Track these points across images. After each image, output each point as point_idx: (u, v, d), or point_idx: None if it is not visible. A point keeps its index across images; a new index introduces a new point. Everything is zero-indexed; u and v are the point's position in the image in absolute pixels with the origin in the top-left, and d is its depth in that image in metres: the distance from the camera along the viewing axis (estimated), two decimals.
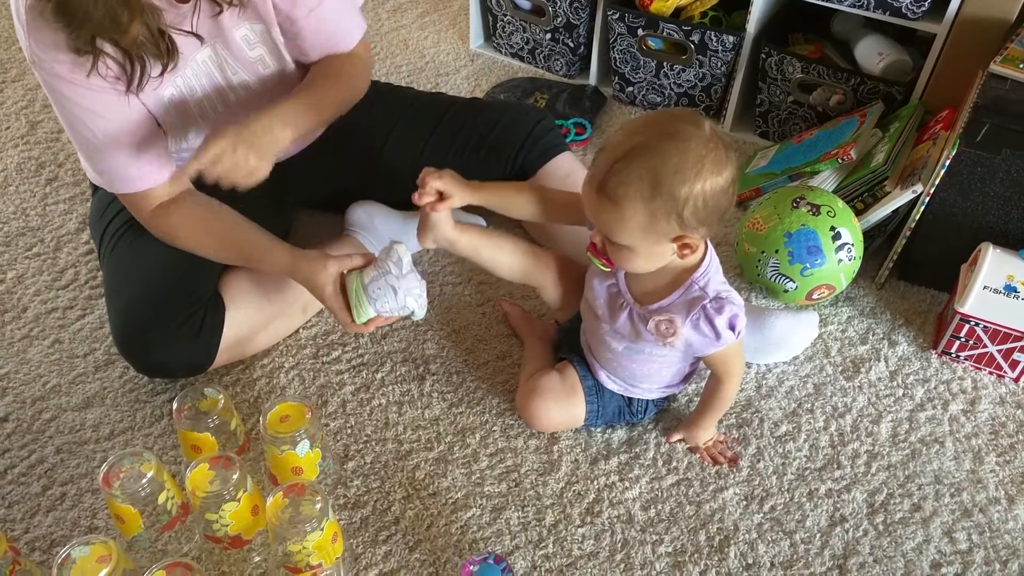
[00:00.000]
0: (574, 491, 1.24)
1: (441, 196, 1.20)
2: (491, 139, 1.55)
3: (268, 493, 1.08)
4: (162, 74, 1.17)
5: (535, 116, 1.59)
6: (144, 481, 1.08)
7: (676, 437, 1.30)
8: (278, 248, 1.27)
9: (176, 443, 1.28)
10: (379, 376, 1.41)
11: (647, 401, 1.29)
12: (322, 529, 1.05)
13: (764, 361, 1.42)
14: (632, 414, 1.30)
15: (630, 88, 1.99)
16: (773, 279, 1.44)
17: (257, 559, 1.15)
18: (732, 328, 1.10)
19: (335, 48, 1.38)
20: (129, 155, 1.23)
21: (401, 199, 1.58)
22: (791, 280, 1.42)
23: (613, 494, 1.24)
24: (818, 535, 1.19)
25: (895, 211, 1.49)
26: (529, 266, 1.33)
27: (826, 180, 1.60)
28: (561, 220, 1.28)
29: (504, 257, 1.31)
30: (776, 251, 1.42)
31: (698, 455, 1.29)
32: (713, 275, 1.11)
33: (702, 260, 1.11)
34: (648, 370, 1.24)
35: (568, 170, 1.55)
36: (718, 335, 1.10)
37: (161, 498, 1.10)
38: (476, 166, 1.57)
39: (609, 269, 1.11)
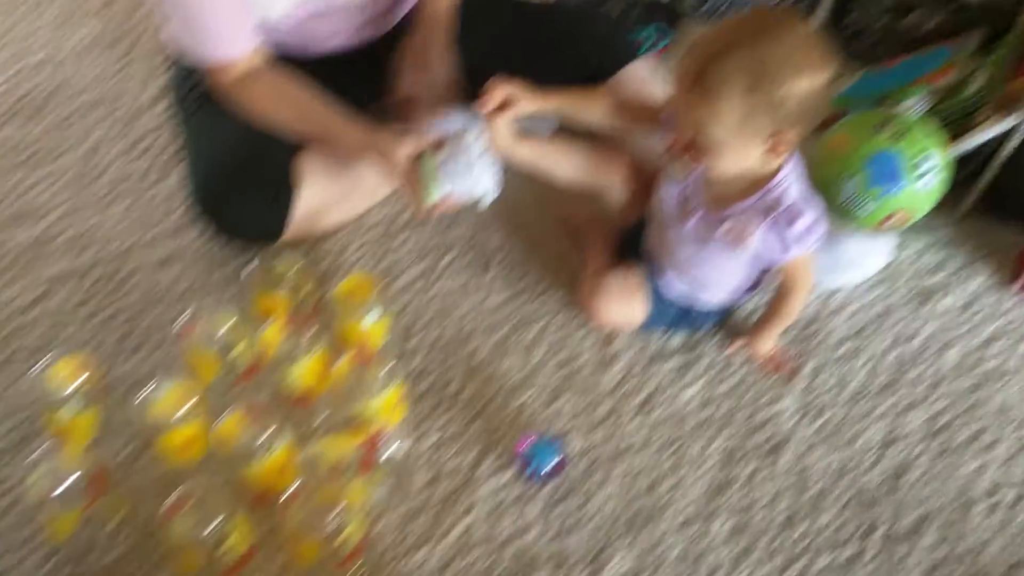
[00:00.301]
0: (630, 386, 1.25)
1: (505, 105, 1.20)
2: (565, 43, 1.53)
3: (336, 359, 1.11)
4: None
5: (612, 21, 1.56)
6: (221, 334, 1.12)
7: (736, 345, 1.30)
8: (354, 124, 1.28)
9: (248, 306, 1.31)
10: (444, 262, 1.42)
11: (709, 308, 1.29)
12: (386, 394, 1.08)
13: (834, 282, 1.40)
14: (692, 320, 1.30)
15: (710, 0, 1.94)
16: (848, 202, 1.41)
17: (321, 418, 1.19)
18: (807, 237, 1.09)
19: None
20: (222, 19, 1.23)
21: (471, 94, 1.57)
22: (867, 204, 1.39)
23: (668, 393, 1.25)
24: (872, 451, 1.19)
25: (986, 142, 1.44)
26: (594, 169, 1.33)
27: (915, 106, 1.55)
28: (635, 126, 1.26)
29: (566, 164, 1.31)
30: (855, 174, 1.38)
31: (757, 365, 1.29)
32: (794, 182, 1.10)
33: (784, 166, 1.10)
34: (713, 277, 1.23)
35: (643, 78, 1.52)
36: (791, 243, 1.09)
37: (235, 352, 1.14)
38: (547, 69, 1.54)
39: (690, 169, 1.10)
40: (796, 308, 1.22)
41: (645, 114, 1.23)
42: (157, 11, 1.29)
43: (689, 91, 1.00)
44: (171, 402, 1.03)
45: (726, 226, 1.12)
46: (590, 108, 1.26)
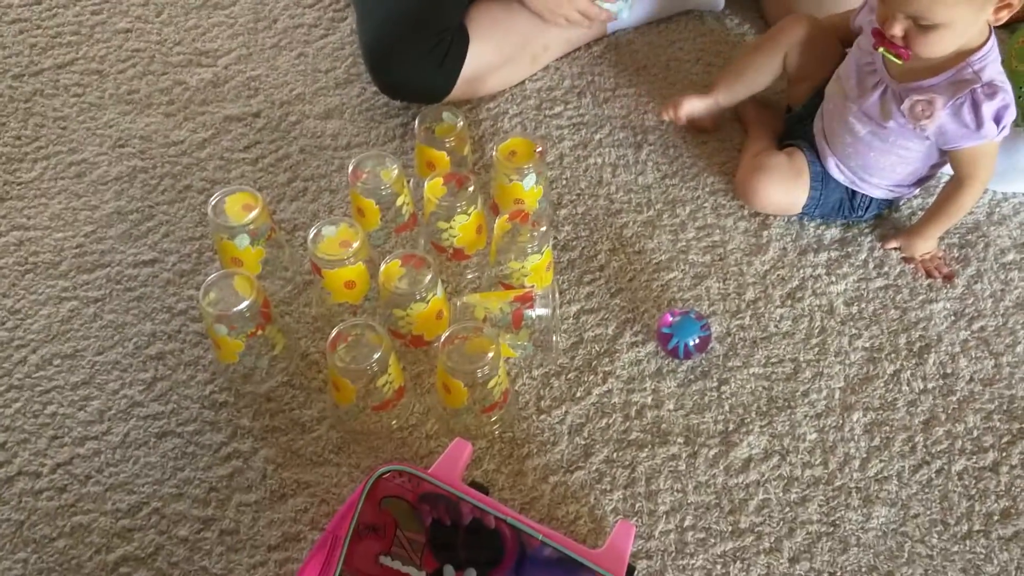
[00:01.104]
0: (778, 275, 1.25)
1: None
2: None
3: (493, 216, 1.14)
4: None
5: None
6: (386, 183, 1.16)
7: (894, 244, 1.26)
8: None
9: (409, 163, 1.36)
10: (598, 137, 1.42)
11: (871, 199, 1.25)
12: (541, 253, 1.11)
13: (1005, 189, 1.33)
14: (852, 210, 1.27)
15: None
16: None
17: (472, 275, 1.24)
18: (997, 121, 1.04)
19: None
20: None
21: None
22: None
23: (818, 285, 1.23)
24: None
25: None
26: (774, 61, 1.29)
27: None
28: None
29: (760, 79, 1.31)
30: None
31: (912, 265, 1.25)
32: (992, 61, 1.04)
33: (984, 43, 1.03)
34: (885, 162, 1.19)
35: None
36: (980, 124, 1.04)
37: (399, 201, 1.18)
38: None
39: (905, 60, 1.04)
40: (967, 204, 1.18)
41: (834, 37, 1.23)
42: None
43: None
44: (336, 242, 1.09)
45: (911, 101, 1.08)
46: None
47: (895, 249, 1.26)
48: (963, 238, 1.29)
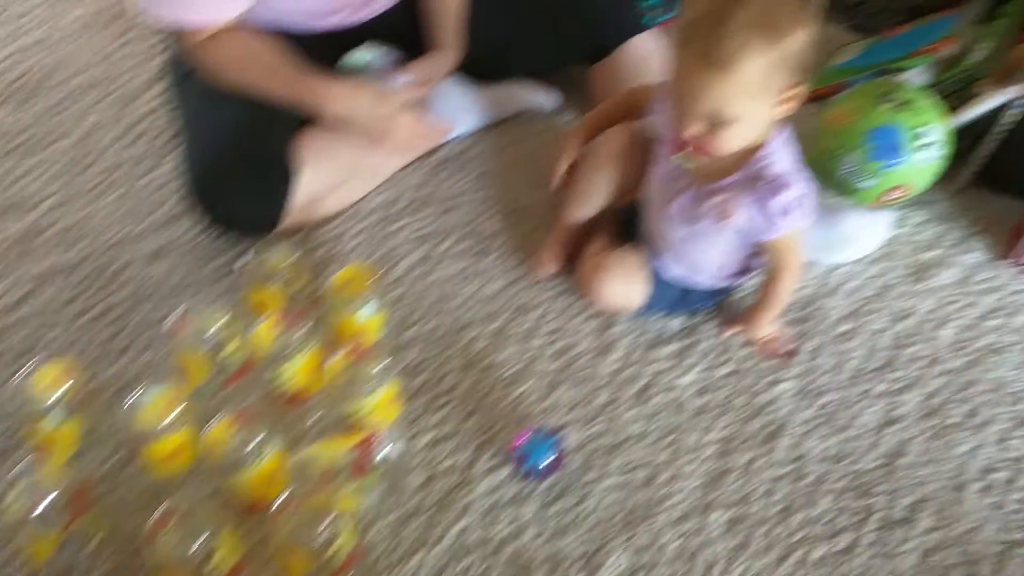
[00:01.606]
0: (627, 374, 1.25)
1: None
2: (571, 14, 1.50)
3: (330, 354, 1.11)
4: None
5: None
6: (211, 333, 1.11)
7: (733, 329, 1.29)
8: (313, 73, 1.30)
9: (241, 300, 1.31)
10: (442, 248, 1.41)
11: (706, 290, 1.28)
12: (381, 391, 1.08)
13: (831, 259, 1.39)
14: (691, 302, 1.29)
15: None
16: (848, 176, 1.38)
17: (315, 417, 1.19)
18: (792, 211, 1.07)
19: None
20: None
21: (475, 70, 1.55)
22: (867, 178, 1.37)
23: (666, 380, 1.24)
24: (869, 433, 1.19)
25: (986, 113, 1.41)
26: (612, 174, 1.32)
27: (917, 77, 1.52)
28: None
29: (606, 194, 1.33)
30: (855, 147, 1.36)
31: (754, 348, 1.28)
32: (781, 154, 1.08)
33: (772, 137, 1.08)
34: (708, 257, 1.22)
35: (647, 52, 1.50)
36: (774, 218, 1.07)
37: (226, 351, 1.13)
38: (556, 41, 1.52)
39: (703, 161, 1.07)
40: (785, 292, 1.21)
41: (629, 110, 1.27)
42: None
43: (705, 69, 0.97)
44: (158, 408, 1.02)
45: (712, 202, 1.11)
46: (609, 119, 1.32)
47: (737, 334, 1.29)
48: (800, 312, 1.33)
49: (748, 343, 1.28)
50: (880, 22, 1.76)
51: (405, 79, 1.40)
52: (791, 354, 1.27)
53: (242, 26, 1.30)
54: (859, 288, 1.36)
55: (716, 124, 1.02)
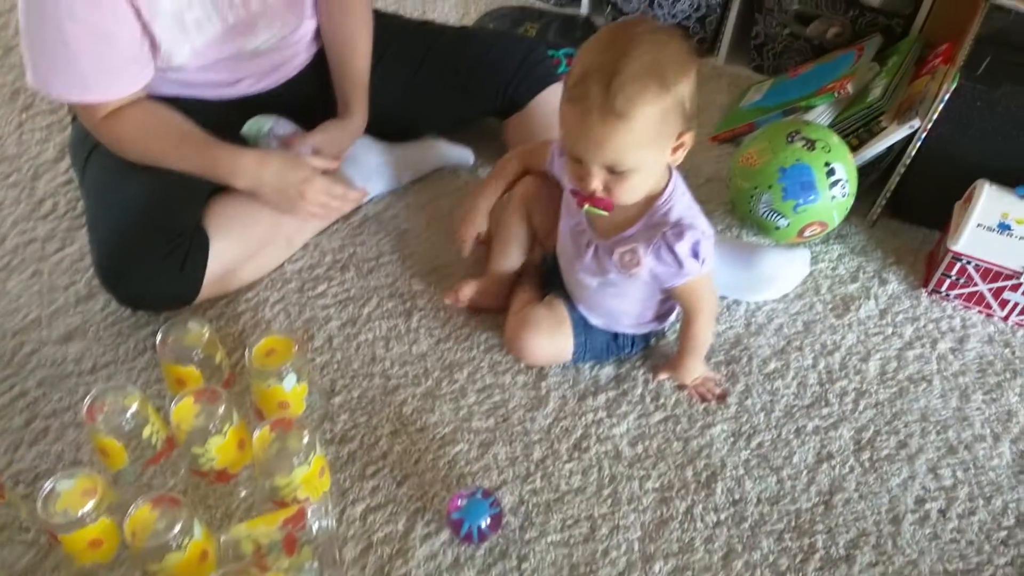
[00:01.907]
0: (562, 427, 1.24)
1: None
2: (481, 71, 1.51)
3: (254, 427, 1.07)
4: None
5: (526, 46, 1.55)
6: (128, 415, 1.07)
7: (663, 375, 1.29)
8: (219, 144, 1.30)
9: (160, 377, 1.26)
10: (366, 311, 1.39)
11: (632, 336, 1.28)
12: (309, 463, 1.05)
13: (754, 299, 1.41)
14: (619, 348, 1.29)
15: (623, 18, 1.94)
16: (765, 215, 1.42)
17: (244, 493, 1.14)
18: (695, 255, 1.08)
19: None
20: (107, 62, 1.19)
21: (387, 132, 1.55)
22: (783, 216, 1.40)
23: (601, 430, 1.23)
24: (805, 471, 1.19)
25: (890, 147, 1.46)
26: (520, 227, 1.34)
27: (822, 115, 1.57)
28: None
29: (526, 242, 1.35)
30: (769, 187, 1.39)
31: (686, 392, 1.28)
32: (678, 201, 1.10)
33: (666, 186, 1.09)
34: (624, 306, 1.23)
35: (558, 102, 1.51)
36: (680, 263, 1.08)
37: (146, 432, 1.09)
38: (466, 99, 1.53)
39: (609, 212, 1.08)
40: (702, 334, 1.22)
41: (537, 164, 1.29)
42: (25, 53, 1.20)
43: (600, 122, 0.97)
44: (76, 496, 0.97)
45: (618, 253, 1.12)
46: (509, 178, 1.33)
47: (667, 378, 1.29)
48: (728, 353, 1.34)
49: (680, 388, 1.28)
50: (784, 61, 1.82)
51: (307, 147, 1.40)
52: (723, 396, 1.27)
53: (143, 99, 1.28)
54: (784, 326, 1.38)
55: (616, 175, 1.03)
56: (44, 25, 1.14)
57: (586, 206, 1.07)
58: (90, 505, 0.96)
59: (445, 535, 1.11)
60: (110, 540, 1.00)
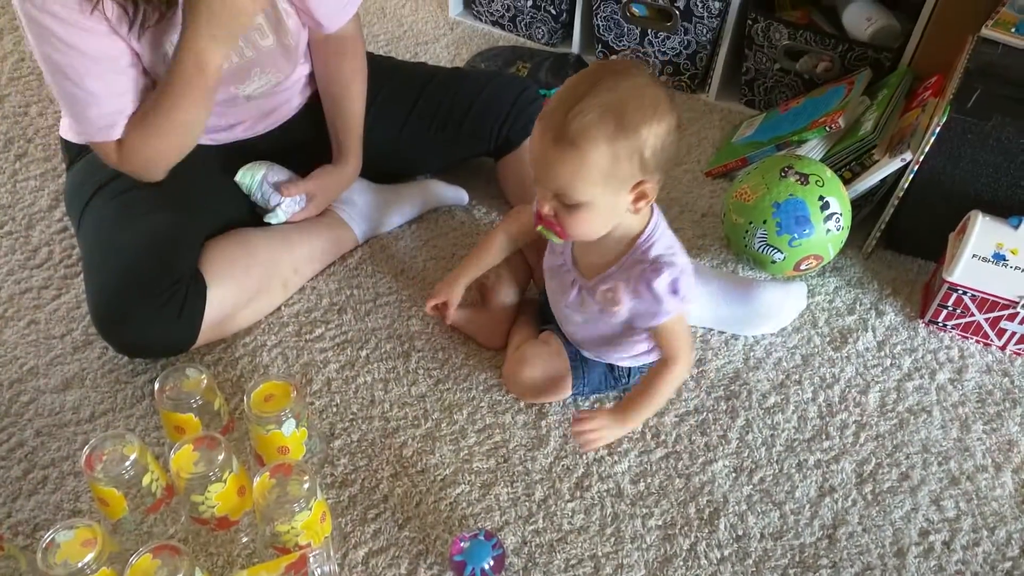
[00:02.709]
0: (563, 465, 1.23)
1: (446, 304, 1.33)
2: (474, 112, 1.53)
3: (254, 473, 1.06)
4: (159, 20, 1.16)
5: (518, 86, 1.57)
6: (127, 463, 1.06)
7: (588, 426, 1.13)
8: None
9: (158, 424, 1.26)
10: (364, 353, 1.39)
11: (629, 367, 1.28)
12: (310, 509, 1.04)
13: (752, 333, 1.41)
14: (616, 380, 1.29)
15: (614, 56, 1.96)
16: (761, 250, 1.43)
17: (245, 540, 1.13)
18: (674, 292, 1.07)
19: (343, 13, 1.36)
20: (118, 103, 1.19)
21: (381, 173, 1.56)
22: (779, 251, 1.41)
23: (602, 468, 1.23)
24: (807, 506, 1.19)
25: (883, 180, 1.48)
26: (514, 266, 1.36)
27: (814, 149, 1.59)
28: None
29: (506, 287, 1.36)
30: (764, 221, 1.40)
31: (687, 428, 1.27)
32: (658, 239, 1.09)
33: (647, 224, 1.10)
34: (614, 340, 1.22)
35: None
36: (659, 300, 1.07)
37: (145, 480, 1.08)
38: (460, 140, 1.55)
39: (562, 240, 1.08)
40: (673, 381, 1.14)
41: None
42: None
43: (553, 146, 0.97)
44: (75, 547, 0.96)
45: (600, 292, 1.12)
46: (495, 252, 1.32)
47: (584, 431, 1.13)
48: (727, 389, 1.34)
49: (576, 433, 1.13)
50: (775, 96, 1.84)
51: (302, 195, 1.44)
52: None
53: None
54: (782, 360, 1.38)
55: (567, 207, 1.02)
56: (59, 74, 1.15)
57: (540, 227, 1.07)
58: (90, 556, 0.96)
59: None
60: None
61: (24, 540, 1.14)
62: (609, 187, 1.00)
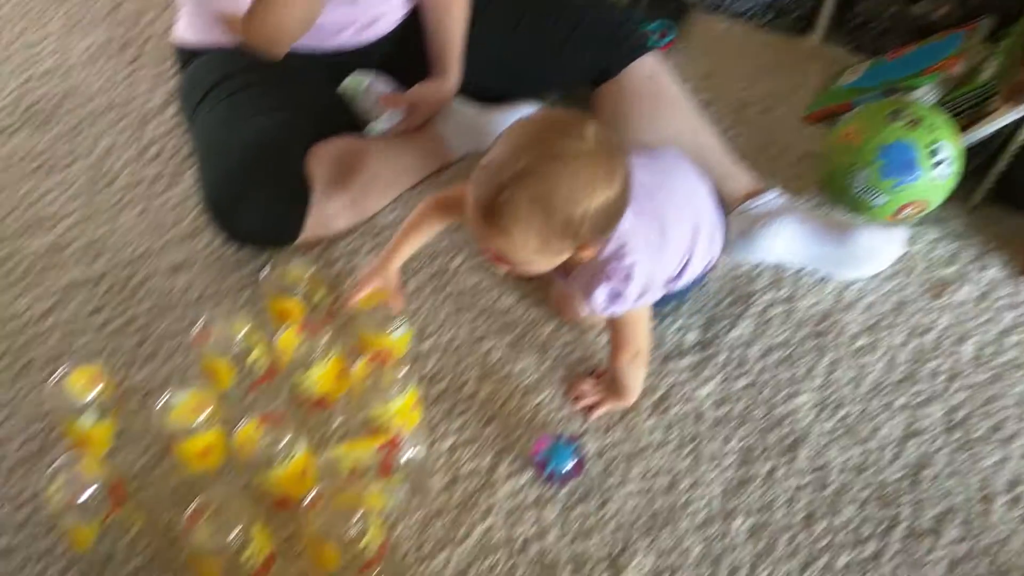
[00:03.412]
0: (645, 385, 1.24)
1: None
2: (575, 37, 1.52)
3: (353, 360, 1.11)
4: None
5: (622, 14, 1.56)
6: (237, 340, 1.11)
7: (588, 400, 1.21)
8: None
9: (260, 311, 1.32)
10: (454, 264, 1.42)
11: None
12: (404, 395, 1.08)
13: (846, 275, 1.39)
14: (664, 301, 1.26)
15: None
16: (861, 193, 1.40)
17: (338, 422, 1.19)
18: (615, 298, 1.04)
19: None
20: None
21: (479, 93, 1.58)
22: (880, 195, 1.39)
23: (684, 391, 1.24)
24: (891, 445, 1.19)
25: (999, 130, 1.43)
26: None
27: (926, 95, 1.54)
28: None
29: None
30: (868, 164, 1.38)
31: (772, 361, 1.27)
32: (613, 241, 1.04)
33: (617, 239, 1.04)
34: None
35: (651, 72, 1.52)
36: (598, 310, 1.05)
37: (251, 357, 1.14)
38: (559, 64, 1.55)
39: (507, 271, 1.06)
40: (624, 371, 1.15)
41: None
42: None
43: (483, 222, 0.94)
44: (188, 409, 1.03)
45: (572, 285, 1.10)
46: (430, 230, 1.24)
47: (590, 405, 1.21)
48: (815, 327, 1.33)
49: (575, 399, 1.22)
50: (885, 43, 1.78)
51: (402, 106, 1.47)
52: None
53: None
54: (875, 304, 1.37)
55: (507, 260, 1.00)
56: None
57: (488, 260, 1.05)
58: (202, 418, 1.02)
59: (528, 475, 1.14)
60: (218, 451, 1.05)
61: (136, 404, 1.21)
62: (545, 256, 0.97)
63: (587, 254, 0.99)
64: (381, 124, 1.48)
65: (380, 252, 1.28)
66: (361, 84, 1.46)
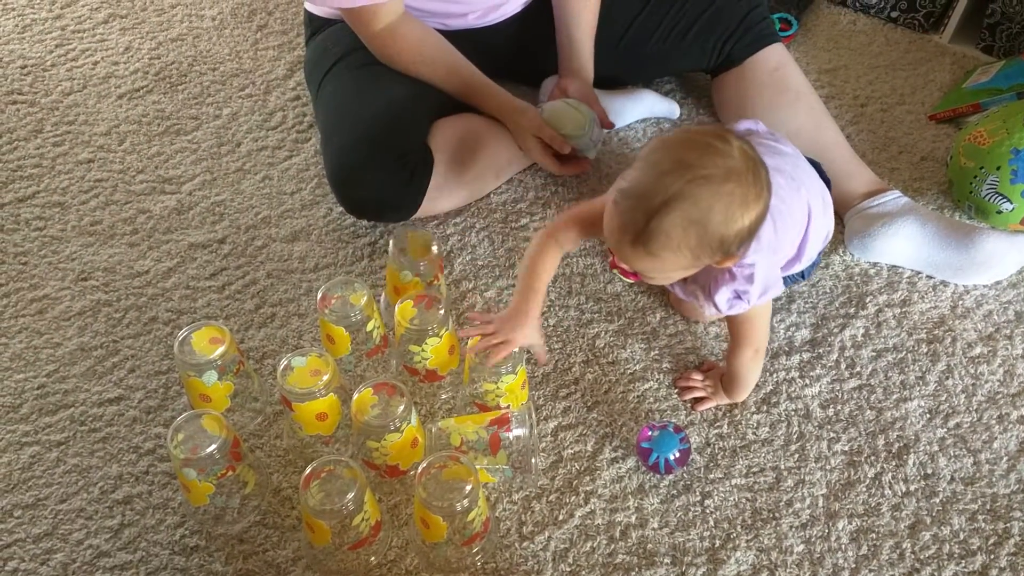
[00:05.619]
0: None
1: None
2: (700, 24, 1.51)
3: (464, 337, 1.13)
4: None
5: (748, 3, 1.54)
6: (357, 308, 1.15)
7: (710, 404, 1.21)
8: (494, 85, 1.41)
9: (375, 283, 1.35)
10: None
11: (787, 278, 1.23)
12: (515, 373, 1.10)
13: (965, 281, 1.36)
14: (791, 279, 1.26)
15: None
16: (988, 198, 1.36)
17: (446, 395, 1.22)
18: (738, 298, 1.03)
19: None
20: None
21: (598, 76, 1.58)
22: (1009, 200, 1.34)
23: (792, 389, 1.23)
24: (1005, 458, 1.16)
25: None
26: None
27: None
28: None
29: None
30: (998, 168, 1.34)
31: (883, 364, 1.25)
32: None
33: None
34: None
35: (777, 62, 1.50)
36: (721, 310, 1.04)
37: (369, 326, 1.17)
38: (682, 50, 1.54)
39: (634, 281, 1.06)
40: (742, 368, 1.14)
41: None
42: None
43: (631, 247, 0.93)
44: (307, 373, 1.07)
45: (689, 290, 1.09)
46: (557, 257, 1.16)
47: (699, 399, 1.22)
48: (930, 332, 1.30)
49: (688, 399, 1.22)
50: (1020, 43, 1.71)
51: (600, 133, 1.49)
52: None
53: (414, 22, 1.40)
54: (993, 312, 1.33)
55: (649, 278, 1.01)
56: None
57: (615, 271, 1.08)
58: (321, 381, 1.06)
59: (631, 462, 1.15)
60: (334, 415, 1.09)
61: (254, 364, 1.26)
62: (689, 272, 0.99)
63: (728, 264, 0.98)
64: (593, 153, 1.50)
65: (511, 300, 1.15)
66: (584, 126, 1.44)
